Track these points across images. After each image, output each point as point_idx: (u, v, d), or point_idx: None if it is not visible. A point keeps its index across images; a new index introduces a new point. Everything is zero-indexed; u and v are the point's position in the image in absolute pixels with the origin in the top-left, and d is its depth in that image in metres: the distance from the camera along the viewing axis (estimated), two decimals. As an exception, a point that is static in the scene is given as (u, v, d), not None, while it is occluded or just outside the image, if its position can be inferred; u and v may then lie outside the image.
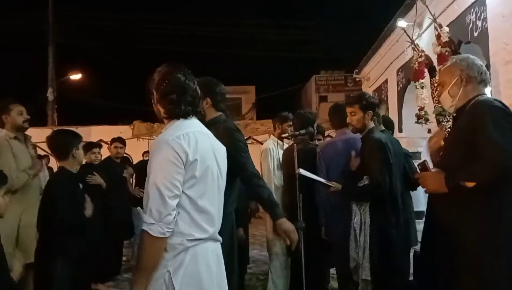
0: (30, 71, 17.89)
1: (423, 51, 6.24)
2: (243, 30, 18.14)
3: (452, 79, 2.35)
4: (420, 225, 4.29)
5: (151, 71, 2.03)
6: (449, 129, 3.35)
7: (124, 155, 6.01)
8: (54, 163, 4.43)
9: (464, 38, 5.35)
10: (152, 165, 1.81)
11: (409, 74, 7.13)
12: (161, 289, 1.77)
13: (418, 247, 4.02)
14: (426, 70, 6.13)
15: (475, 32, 5.06)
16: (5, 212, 2.49)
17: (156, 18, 18.53)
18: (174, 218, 1.76)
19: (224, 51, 18.72)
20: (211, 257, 1.91)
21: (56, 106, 15.70)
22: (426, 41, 6.52)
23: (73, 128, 6.12)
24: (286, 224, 2.49)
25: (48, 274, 2.83)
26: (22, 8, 17.17)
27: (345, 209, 3.22)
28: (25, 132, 3.89)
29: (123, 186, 5.50)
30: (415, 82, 6.32)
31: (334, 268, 3.95)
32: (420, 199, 5.73)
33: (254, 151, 4.63)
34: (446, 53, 5.23)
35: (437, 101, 4.99)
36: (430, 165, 2.40)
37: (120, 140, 5.86)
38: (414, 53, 6.52)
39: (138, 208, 1.74)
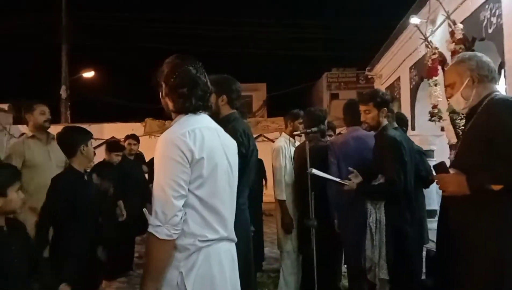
0: (44, 70, 18.15)
1: (436, 48, 6.19)
2: (256, 28, 18.19)
3: (464, 80, 2.25)
4: (431, 223, 4.28)
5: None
6: (462, 127, 3.31)
7: (137, 152, 6.07)
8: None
9: (478, 35, 5.28)
10: (156, 165, 1.74)
11: (422, 71, 7.07)
12: None
13: (430, 245, 3.99)
14: (439, 67, 6.07)
15: (490, 28, 5.00)
16: (20, 208, 2.50)
17: (169, 18, 18.68)
18: (181, 219, 1.69)
19: (237, 50, 18.77)
20: (225, 258, 1.84)
21: (69, 103, 15.99)
22: (439, 38, 6.46)
23: (85, 126, 6.18)
24: None
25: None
26: (36, 10, 17.40)
27: (358, 207, 3.21)
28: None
29: (137, 183, 5.54)
30: (428, 80, 6.28)
31: (345, 266, 3.96)
32: (432, 197, 5.68)
33: (265, 149, 4.65)
34: (460, 50, 5.17)
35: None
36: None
37: (134, 137, 5.92)
38: (427, 50, 6.46)
39: (144, 209, 1.70)
